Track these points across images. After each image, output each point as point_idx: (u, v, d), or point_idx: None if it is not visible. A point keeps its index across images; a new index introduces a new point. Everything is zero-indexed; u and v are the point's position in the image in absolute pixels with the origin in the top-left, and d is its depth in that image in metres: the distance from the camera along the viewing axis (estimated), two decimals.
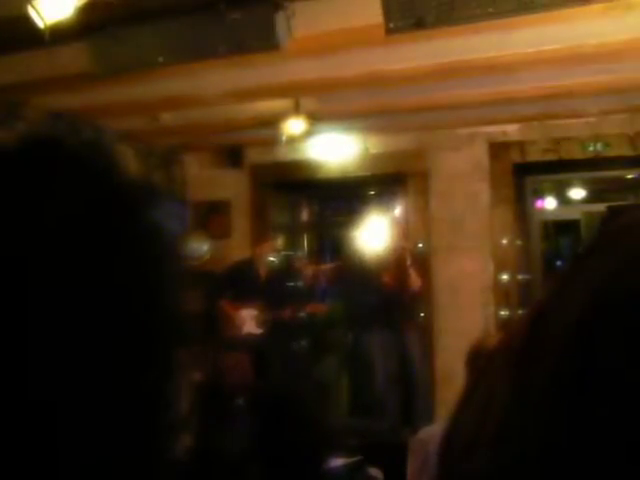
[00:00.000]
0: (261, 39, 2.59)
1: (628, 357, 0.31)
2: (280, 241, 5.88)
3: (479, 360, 2.08)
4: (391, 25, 2.35)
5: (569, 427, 0.33)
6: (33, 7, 2.56)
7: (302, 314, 5.39)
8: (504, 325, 5.12)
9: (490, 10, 2.36)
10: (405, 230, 5.58)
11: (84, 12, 2.62)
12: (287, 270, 5.68)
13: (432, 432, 2.51)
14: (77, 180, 0.48)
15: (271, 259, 5.48)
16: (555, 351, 0.34)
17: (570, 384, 0.33)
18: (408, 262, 5.24)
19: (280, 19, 2.57)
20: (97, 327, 0.45)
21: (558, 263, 8.05)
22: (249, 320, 5.21)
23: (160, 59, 2.82)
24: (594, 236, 0.38)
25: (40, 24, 2.55)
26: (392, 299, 5.25)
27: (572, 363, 0.33)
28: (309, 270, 5.87)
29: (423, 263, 5.45)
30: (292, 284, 5.58)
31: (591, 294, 0.34)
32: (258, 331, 5.19)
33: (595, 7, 2.83)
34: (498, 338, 0.44)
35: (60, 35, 2.74)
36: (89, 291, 0.45)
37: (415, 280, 5.25)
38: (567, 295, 0.36)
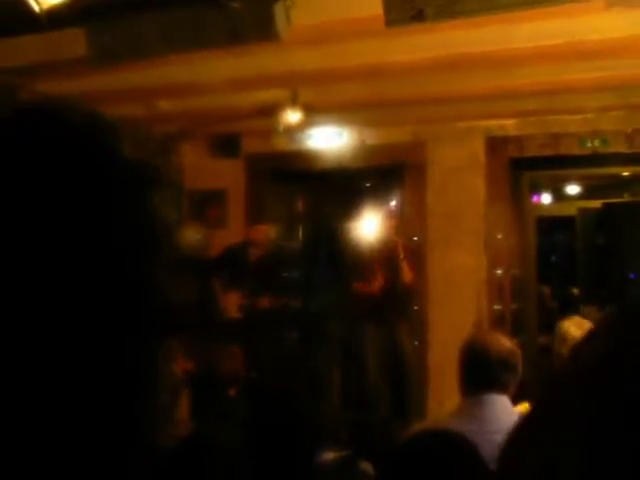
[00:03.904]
0: (260, 29, 2.58)
1: None
2: (274, 229, 5.82)
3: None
4: (390, 17, 2.34)
5: None
6: None
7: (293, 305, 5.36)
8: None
9: (491, 4, 2.34)
10: (399, 223, 5.56)
11: None
12: (280, 258, 5.64)
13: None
14: (75, 155, 0.47)
15: (263, 245, 5.46)
16: None
17: None
18: (401, 255, 5.24)
19: (279, 9, 2.55)
20: (85, 309, 0.44)
21: (552, 259, 8.07)
22: (233, 305, 5.23)
23: (157, 48, 2.80)
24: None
25: (36, 9, 2.52)
26: (383, 292, 5.25)
27: None
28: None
29: (417, 256, 5.44)
30: (284, 274, 5.55)
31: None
32: (238, 316, 5.19)
33: (596, 3, 2.81)
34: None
35: (57, 20, 2.71)
36: (78, 272, 0.44)
37: (407, 273, 5.25)
38: None
